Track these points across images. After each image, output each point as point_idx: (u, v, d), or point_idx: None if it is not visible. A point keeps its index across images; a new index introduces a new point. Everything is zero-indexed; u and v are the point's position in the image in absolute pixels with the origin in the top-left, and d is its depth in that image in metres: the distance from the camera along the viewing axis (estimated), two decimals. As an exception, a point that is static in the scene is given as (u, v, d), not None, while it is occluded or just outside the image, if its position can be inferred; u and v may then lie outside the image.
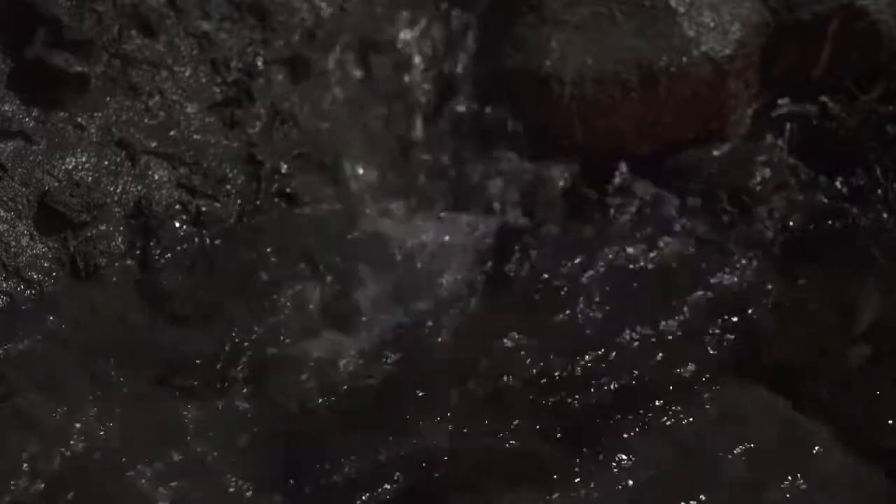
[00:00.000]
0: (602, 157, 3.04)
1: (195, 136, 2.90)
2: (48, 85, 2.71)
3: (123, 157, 2.80)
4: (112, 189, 2.76)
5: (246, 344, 2.61)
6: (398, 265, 2.88)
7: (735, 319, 2.64)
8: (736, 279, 2.74)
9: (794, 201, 2.91)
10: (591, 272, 2.80)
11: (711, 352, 2.56)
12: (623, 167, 3.02)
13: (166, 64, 2.89)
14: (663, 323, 2.64)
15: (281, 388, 2.54)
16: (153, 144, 2.84)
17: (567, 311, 2.71)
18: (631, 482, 2.26)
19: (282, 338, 2.64)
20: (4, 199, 2.64)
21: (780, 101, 3.08)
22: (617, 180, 3.01)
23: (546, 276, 2.82)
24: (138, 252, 2.75)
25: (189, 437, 2.40)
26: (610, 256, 2.85)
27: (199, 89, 2.93)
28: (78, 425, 2.38)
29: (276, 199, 2.94)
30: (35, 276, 2.63)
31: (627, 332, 2.63)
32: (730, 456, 2.29)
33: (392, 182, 3.12)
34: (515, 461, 2.34)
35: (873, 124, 2.93)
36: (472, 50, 3.25)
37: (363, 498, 2.27)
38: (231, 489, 2.30)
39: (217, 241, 2.81)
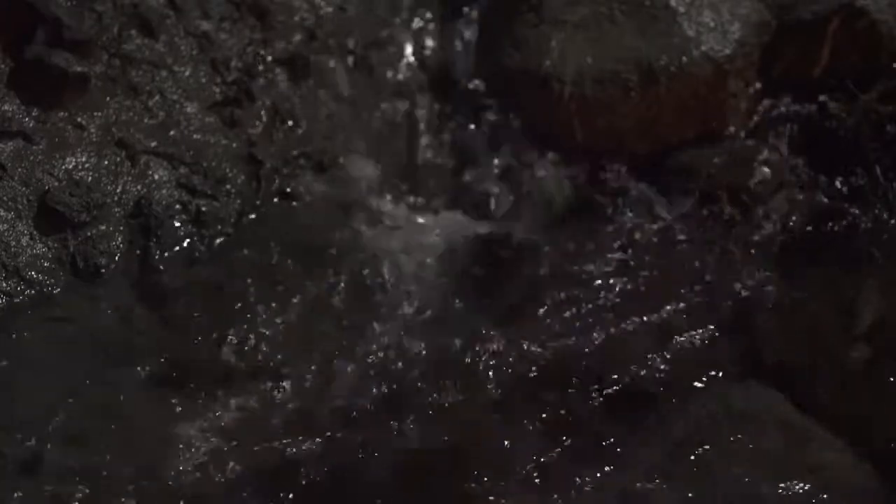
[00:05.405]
0: (602, 156, 3.05)
1: (195, 136, 2.90)
2: (48, 85, 2.71)
3: (123, 157, 2.80)
4: (112, 189, 2.77)
5: (246, 343, 2.61)
6: (397, 263, 2.88)
7: (735, 319, 2.64)
8: (736, 279, 2.74)
9: (794, 201, 2.92)
10: (590, 271, 2.81)
11: (711, 352, 2.56)
12: (623, 166, 3.02)
13: (166, 64, 2.89)
14: (663, 322, 2.65)
15: (281, 386, 2.55)
16: (153, 144, 2.84)
17: (567, 311, 2.71)
18: (631, 481, 2.26)
19: (283, 337, 2.65)
20: (4, 199, 2.64)
21: (780, 101, 3.08)
22: (617, 179, 3.01)
23: (545, 274, 2.82)
24: (138, 252, 2.75)
25: (188, 436, 2.40)
26: (609, 256, 2.85)
27: (199, 89, 2.93)
28: (78, 425, 2.38)
29: (276, 199, 2.95)
30: (35, 276, 2.63)
31: (627, 331, 2.63)
32: (729, 455, 2.29)
33: (392, 181, 3.12)
34: (515, 460, 2.34)
35: (873, 124, 2.93)
36: (472, 49, 3.26)
37: (363, 496, 2.28)
38: (230, 487, 2.30)
39: (217, 241, 2.82)
